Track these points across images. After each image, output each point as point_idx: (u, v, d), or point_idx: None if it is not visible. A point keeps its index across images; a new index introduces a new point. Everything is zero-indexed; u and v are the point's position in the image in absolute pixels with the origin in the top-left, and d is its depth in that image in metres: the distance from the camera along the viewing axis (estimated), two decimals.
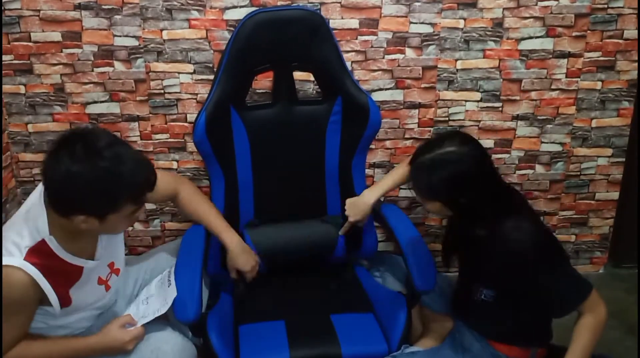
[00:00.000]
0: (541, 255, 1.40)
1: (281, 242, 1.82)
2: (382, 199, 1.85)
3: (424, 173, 1.45)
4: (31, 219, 1.36)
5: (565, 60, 2.16)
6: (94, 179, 1.24)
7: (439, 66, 2.14)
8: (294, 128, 1.81)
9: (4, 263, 1.29)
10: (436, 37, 2.10)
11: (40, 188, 1.38)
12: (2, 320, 1.31)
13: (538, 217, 1.50)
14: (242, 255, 1.72)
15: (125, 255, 2.14)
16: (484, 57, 2.14)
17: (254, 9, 1.96)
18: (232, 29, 2.02)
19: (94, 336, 1.45)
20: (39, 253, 1.33)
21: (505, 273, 1.43)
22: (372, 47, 2.10)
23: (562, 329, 2.14)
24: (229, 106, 1.75)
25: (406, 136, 2.23)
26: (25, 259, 1.31)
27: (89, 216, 1.29)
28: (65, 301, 1.41)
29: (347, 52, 2.08)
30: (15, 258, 1.30)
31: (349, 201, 1.81)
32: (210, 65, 2.07)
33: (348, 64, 2.07)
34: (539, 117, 2.24)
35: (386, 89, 2.16)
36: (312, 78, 1.96)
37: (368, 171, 2.25)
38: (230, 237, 1.71)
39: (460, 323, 1.60)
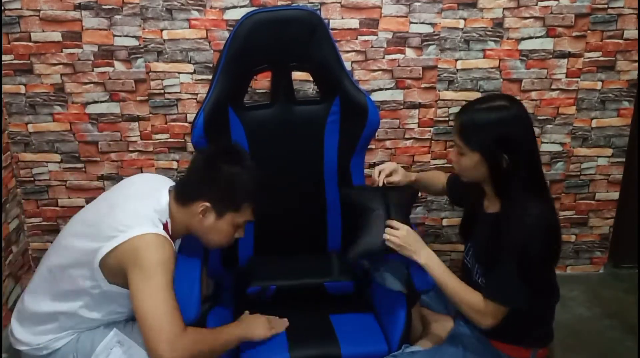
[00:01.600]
0: (526, 245, 1.36)
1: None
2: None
3: (476, 119, 1.41)
4: (152, 200, 1.45)
5: (565, 60, 2.16)
6: (235, 173, 1.46)
7: (439, 66, 2.14)
8: (293, 128, 1.81)
9: (148, 231, 1.35)
10: (436, 37, 2.10)
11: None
12: (158, 287, 1.32)
13: (555, 213, 1.46)
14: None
15: None
16: (484, 57, 2.14)
17: (254, 9, 1.96)
18: (232, 29, 2.01)
19: (237, 327, 1.54)
20: (166, 232, 1.42)
21: (499, 250, 1.40)
22: (372, 47, 2.10)
23: (563, 330, 2.15)
24: (227, 106, 1.74)
25: (406, 136, 2.23)
26: (164, 230, 1.41)
27: (210, 207, 1.44)
28: None
29: (347, 52, 2.08)
30: (153, 228, 1.37)
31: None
32: (211, 65, 2.07)
33: (348, 64, 2.08)
34: (539, 117, 2.24)
35: (386, 89, 2.16)
36: (310, 78, 1.96)
37: (368, 171, 2.25)
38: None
39: (461, 322, 1.60)
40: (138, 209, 1.42)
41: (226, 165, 1.46)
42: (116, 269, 1.36)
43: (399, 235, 1.52)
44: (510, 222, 1.38)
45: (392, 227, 1.54)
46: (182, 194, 1.47)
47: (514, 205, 1.39)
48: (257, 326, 1.56)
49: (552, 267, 1.50)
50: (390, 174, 1.71)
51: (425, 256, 1.50)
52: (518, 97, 2.17)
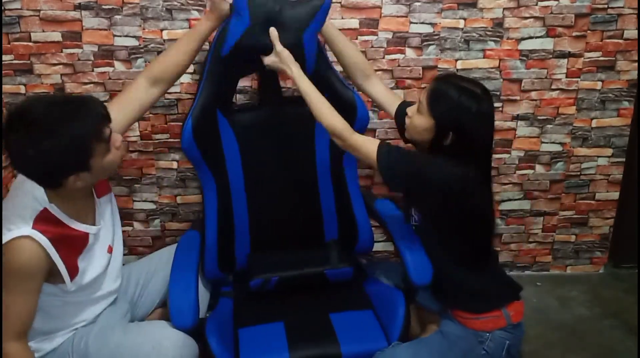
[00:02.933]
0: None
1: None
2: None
3: (451, 89, 1.48)
4: (27, 192, 1.38)
5: (566, 60, 2.16)
6: (53, 147, 1.28)
7: (439, 66, 2.14)
8: (283, 128, 1.81)
9: (12, 235, 1.31)
10: (436, 37, 2.10)
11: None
12: (8, 289, 1.32)
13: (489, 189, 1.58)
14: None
15: (125, 255, 2.16)
16: (484, 57, 2.14)
17: None
18: None
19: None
20: (45, 221, 1.36)
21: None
22: (372, 47, 2.10)
23: (563, 330, 2.15)
24: (215, 110, 1.73)
25: None
26: (33, 228, 1.33)
27: (77, 174, 1.35)
28: (73, 271, 1.43)
29: None
30: (22, 228, 1.32)
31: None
32: None
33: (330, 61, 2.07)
34: (539, 117, 2.24)
35: None
36: None
37: (368, 171, 2.26)
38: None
39: (447, 320, 1.62)
40: (15, 201, 1.38)
41: (32, 149, 1.27)
42: None
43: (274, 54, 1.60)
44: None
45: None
46: (45, 185, 1.37)
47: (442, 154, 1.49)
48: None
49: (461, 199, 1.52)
50: None
51: (298, 71, 1.59)
52: (518, 98, 2.19)
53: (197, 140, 1.69)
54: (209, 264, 1.79)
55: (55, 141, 1.28)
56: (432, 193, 1.49)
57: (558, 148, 2.29)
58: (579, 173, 2.34)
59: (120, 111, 1.56)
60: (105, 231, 1.56)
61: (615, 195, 2.38)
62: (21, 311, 1.36)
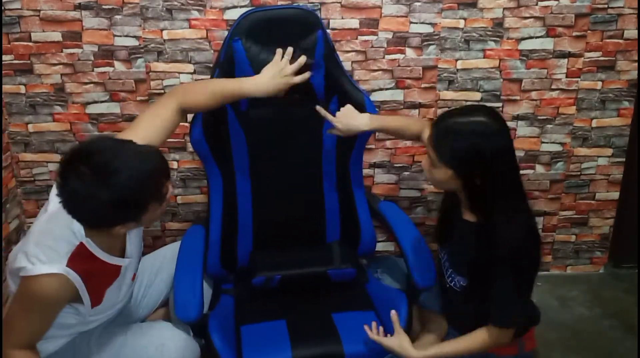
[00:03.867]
0: (518, 259, 1.36)
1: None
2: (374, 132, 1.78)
3: (450, 134, 1.36)
4: (63, 223, 1.32)
5: (566, 60, 2.16)
6: (116, 199, 1.21)
7: (439, 66, 2.14)
8: (291, 127, 1.81)
9: (44, 270, 1.27)
10: (436, 37, 2.10)
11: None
12: (27, 310, 1.32)
13: (535, 222, 1.47)
14: (271, 83, 1.59)
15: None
16: (484, 57, 2.14)
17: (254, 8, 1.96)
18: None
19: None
20: (80, 258, 1.33)
21: (482, 263, 1.40)
22: (372, 47, 2.10)
23: (563, 330, 2.15)
24: (225, 106, 1.75)
25: None
26: (67, 266, 1.30)
27: (125, 225, 1.30)
28: (97, 301, 1.42)
29: (347, 52, 2.08)
30: (56, 265, 1.28)
31: (348, 109, 1.70)
32: (211, 65, 2.07)
33: (348, 64, 2.08)
34: (539, 117, 2.24)
35: (386, 89, 2.16)
36: None
37: (368, 171, 2.26)
38: (249, 81, 1.60)
39: (451, 329, 1.61)
40: (51, 230, 1.34)
41: (96, 191, 1.20)
42: None
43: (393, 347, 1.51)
44: (495, 237, 1.36)
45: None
46: (92, 228, 1.33)
47: (496, 219, 1.37)
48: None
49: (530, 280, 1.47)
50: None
51: (416, 354, 1.48)
52: (518, 97, 2.19)
53: (207, 135, 1.70)
54: (211, 260, 1.80)
55: (116, 194, 1.21)
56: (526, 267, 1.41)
57: (558, 147, 2.29)
58: (579, 173, 2.34)
59: (152, 129, 1.48)
60: (133, 261, 1.54)
61: (615, 195, 2.38)
62: (35, 331, 1.36)
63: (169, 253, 1.80)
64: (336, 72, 1.77)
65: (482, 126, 1.35)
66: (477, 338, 1.44)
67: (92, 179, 1.19)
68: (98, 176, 1.19)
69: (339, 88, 1.77)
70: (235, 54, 1.66)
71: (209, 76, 2.06)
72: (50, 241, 1.32)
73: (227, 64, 1.70)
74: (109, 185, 1.19)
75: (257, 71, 1.65)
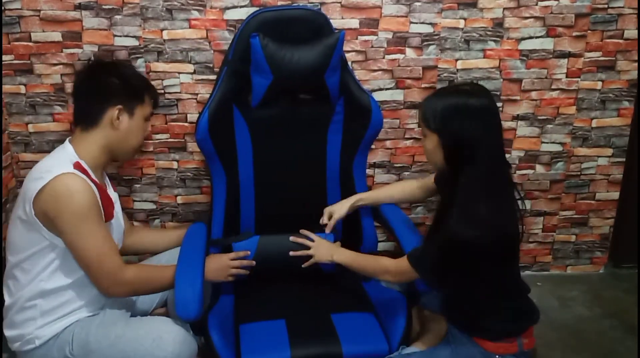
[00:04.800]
0: (467, 242, 1.36)
1: (273, 253, 1.79)
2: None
3: (434, 97, 1.45)
4: (58, 152, 1.56)
5: (566, 60, 2.16)
6: (123, 73, 1.62)
7: (439, 66, 2.14)
8: (296, 127, 1.82)
9: (56, 173, 1.44)
10: (436, 37, 2.10)
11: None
12: (92, 225, 1.44)
13: (511, 205, 1.44)
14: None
15: (124, 255, 2.16)
16: (484, 57, 2.14)
17: (254, 8, 1.96)
18: (232, 29, 2.02)
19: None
20: (81, 169, 1.50)
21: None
22: (372, 47, 2.10)
23: (563, 330, 2.15)
24: (232, 104, 1.75)
25: (406, 136, 2.23)
26: (74, 169, 1.47)
27: (122, 109, 1.57)
28: (108, 215, 1.55)
29: (348, 52, 2.08)
30: (65, 168, 1.46)
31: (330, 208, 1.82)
32: (211, 65, 2.07)
33: (348, 64, 2.07)
34: (539, 117, 2.24)
35: (386, 89, 2.16)
36: None
37: (368, 171, 2.25)
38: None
39: (451, 326, 1.61)
40: (46, 161, 1.54)
41: (107, 72, 1.62)
42: (48, 215, 1.43)
43: (314, 251, 1.73)
44: (455, 210, 1.37)
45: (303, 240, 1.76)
46: (85, 119, 1.58)
47: (462, 196, 1.38)
48: (213, 267, 1.65)
49: (501, 261, 1.46)
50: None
51: (338, 255, 1.68)
52: (518, 97, 2.19)
53: (212, 133, 1.71)
54: None
55: (127, 72, 1.66)
56: (478, 258, 1.40)
57: (558, 148, 2.29)
58: (579, 173, 2.34)
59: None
60: (121, 216, 1.73)
61: (615, 195, 2.38)
62: (111, 242, 1.50)
63: (165, 257, 1.80)
64: (345, 74, 1.78)
65: (465, 96, 1.41)
66: (385, 261, 1.57)
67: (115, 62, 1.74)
68: (120, 63, 1.77)
69: (346, 90, 1.78)
70: (252, 50, 1.67)
71: (209, 76, 2.07)
72: (51, 162, 1.51)
73: (238, 62, 1.71)
74: (127, 68, 1.72)
75: (273, 69, 1.67)
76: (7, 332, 1.52)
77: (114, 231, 1.61)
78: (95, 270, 1.46)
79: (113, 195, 1.69)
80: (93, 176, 1.54)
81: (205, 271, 1.60)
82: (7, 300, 1.53)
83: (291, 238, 1.77)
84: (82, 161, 1.53)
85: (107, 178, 1.73)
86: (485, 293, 1.49)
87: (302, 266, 1.74)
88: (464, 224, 1.35)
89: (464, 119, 1.37)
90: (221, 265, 1.69)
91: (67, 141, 1.59)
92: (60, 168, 1.45)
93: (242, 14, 1.98)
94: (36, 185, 1.43)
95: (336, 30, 1.78)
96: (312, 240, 1.76)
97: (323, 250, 1.73)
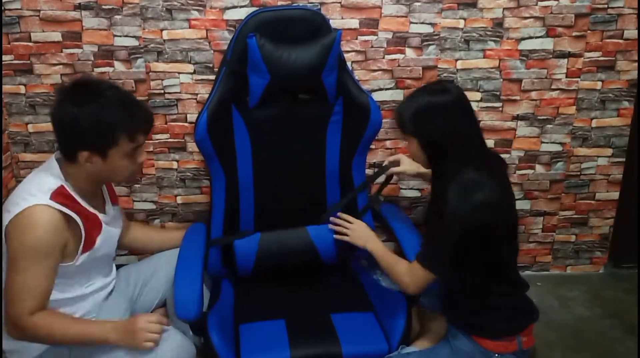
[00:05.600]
0: (462, 222, 1.39)
1: (274, 249, 1.80)
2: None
3: (406, 101, 1.49)
4: (44, 171, 1.45)
5: (565, 60, 2.16)
6: (91, 113, 1.37)
7: (439, 66, 2.14)
8: (295, 128, 1.82)
9: (29, 203, 1.35)
10: (436, 37, 2.10)
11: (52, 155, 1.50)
12: (25, 264, 1.35)
13: (503, 189, 1.47)
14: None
15: (125, 255, 2.16)
16: (484, 57, 2.14)
17: (254, 9, 1.96)
18: (232, 29, 2.02)
19: (114, 321, 1.48)
20: (62, 197, 1.41)
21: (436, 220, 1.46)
22: (372, 47, 2.10)
23: (563, 330, 2.15)
24: (230, 105, 1.75)
25: None
26: (51, 199, 1.38)
27: (91, 153, 1.40)
28: (89, 244, 1.47)
29: (347, 52, 2.08)
30: (40, 198, 1.37)
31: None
32: (211, 65, 2.07)
33: (348, 64, 2.07)
34: (539, 117, 2.24)
35: (386, 89, 2.16)
36: None
37: (368, 171, 2.25)
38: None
39: (451, 325, 1.61)
40: (31, 180, 1.45)
41: (76, 108, 1.38)
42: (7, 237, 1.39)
43: (349, 228, 1.75)
44: (444, 194, 1.41)
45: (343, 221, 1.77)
46: (63, 152, 1.46)
47: (453, 185, 1.40)
48: (134, 340, 1.42)
49: (495, 245, 1.47)
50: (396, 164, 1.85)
51: (372, 244, 1.67)
52: (518, 97, 2.19)
53: (211, 133, 1.71)
54: (212, 258, 1.80)
55: (98, 111, 1.37)
56: (476, 244, 1.42)
57: (558, 147, 2.29)
58: (579, 173, 2.34)
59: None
60: (115, 227, 1.62)
61: (615, 195, 2.38)
62: (41, 284, 1.38)
63: (165, 257, 1.80)
64: (344, 74, 1.78)
65: (431, 89, 1.47)
66: (403, 264, 1.55)
67: (87, 94, 1.40)
68: (91, 93, 1.40)
69: (345, 89, 1.78)
70: (249, 50, 1.67)
71: (208, 76, 2.07)
72: (30, 186, 1.41)
73: (236, 62, 1.71)
74: (96, 102, 1.38)
75: (270, 69, 1.67)
76: (5, 345, 1.49)
77: (100, 250, 1.52)
78: (8, 306, 1.37)
79: (109, 212, 1.59)
80: (79, 201, 1.45)
81: (115, 334, 1.43)
82: (3, 312, 1.47)
83: (331, 220, 1.79)
84: (67, 183, 1.44)
85: (105, 192, 1.63)
86: (485, 288, 1.49)
87: (335, 238, 1.77)
88: (463, 202, 1.38)
89: (436, 118, 1.43)
90: (135, 327, 1.43)
91: (53, 158, 1.49)
92: (36, 197, 1.37)
93: (242, 14, 1.98)
94: (10, 214, 1.37)
95: (333, 30, 1.78)
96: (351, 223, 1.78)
97: (360, 233, 1.74)
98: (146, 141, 2.14)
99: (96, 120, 1.37)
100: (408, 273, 1.51)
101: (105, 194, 1.63)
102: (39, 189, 1.40)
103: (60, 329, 1.40)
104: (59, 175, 1.44)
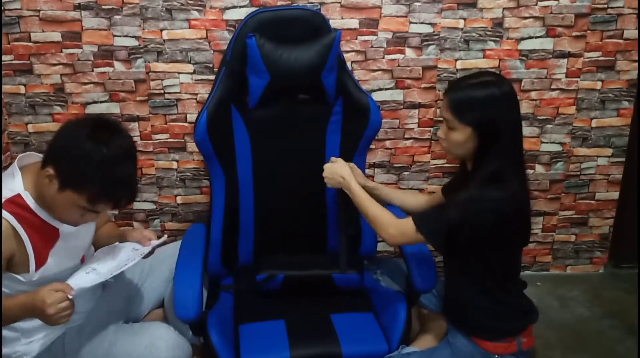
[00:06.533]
0: (471, 224, 1.40)
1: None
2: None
3: (464, 90, 1.46)
4: (7, 178, 1.39)
5: (565, 60, 2.16)
6: (87, 152, 1.31)
7: (439, 66, 2.14)
8: (295, 128, 1.82)
9: None
10: (436, 37, 2.10)
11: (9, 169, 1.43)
12: None
13: (520, 198, 1.47)
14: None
15: None
16: (484, 57, 2.14)
17: (253, 9, 1.96)
18: (232, 29, 2.02)
19: (25, 293, 1.36)
20: (15, 205, 1.35)
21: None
22: (372, 47, 2.10)
23: (563, 330, 2.15)
24: (230, 105, 1.75)
25: (406, 136, 2.23)
26: (4, 208, 1.31)
27: (57, 175, 1.33)
28: (41, 260, 1.39)
29: (347, 52, 2.08)
30: None
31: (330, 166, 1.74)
32: (210, 65, 2.07)
33: (348, 64, 2.08)
34: (539, 117, 2.24)
35: (386, 89, 2.16)
36: None
37: (368, 171, 2.25)
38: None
39: (451, 326, 1.61)
40: None
41: (89, 141, 1.33)
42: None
43: (325, 168, 1.69)
44: (469, 189, 1.42)
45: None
46: (45, 158, 1.39)
47: (482, 180, 1.41)
48: (29, 313, 1.35)
49: (499, 250, 1.48)
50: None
51: (348, 182, 1.64)
52: (518, 97, 2.19)
53: (211, 133, 1.71)
54: (212, 259, 1.80)
55: (98, 155, 1.32)
56: (485, 230, 1.41)
57: (558, 147, 2.29)
58: (579, 173, 2.34)
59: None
60: (79, 240, 1.53)
61: (615, 195, 2.38)
62: None
63: (161, 253, 1.79)
64: (343, 74, 1.78)
65: (495, 86, 1.44)
66: (389, 215, 1.54)
67: (97, 137, 1.34)
68: (104, 136, 1.34)
69: (344, 90, 1.78)
70: (249, 51, 1.67)
71: (208, 76, 2.07)
72: None
73: (236, 62, 1.71)
74: (102, 146, 1.33)
75: (269, 69, 1.67)
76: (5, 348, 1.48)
77: (59, 265, 1.45)
78: None
79: (60, 225, 1.45)
80: (36, 211, 1.38)
81: (27, 312, 1.35)
82: None
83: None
84: (25, 192, 1.38)
85: None
86: (486, 288, 1.49)
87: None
88: (491, 187, 1.39)
89: (500, 109, 1.42)
90: (43, 305, 1.31)
91: (16, 166, 1.42)
92: None
93: (242, 14, 1.98)
94: None
95: (333, 30, 1.78)
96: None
97: (336, 168, 1.68)
98: (146, 142, 2.15)
99: (88, 159, 1.31)
100: (395, 226, 1.51)
101: None
102: None
103: None
104: (17, 184, 1.38)
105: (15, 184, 1.38)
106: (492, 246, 1.44)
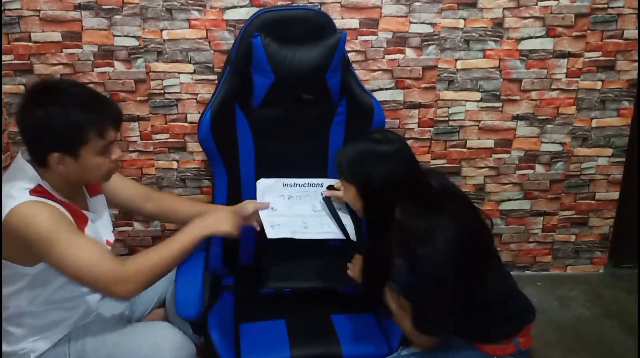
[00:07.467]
0: (439, 274, 1.34)
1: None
2: None
3: (344, 149, 1.47)
4: (19, 174, 1.39)
5: (565, 60, 2.16)
6: (57, 114, 1.32)
7: (439, 65, 2.14)
8: (298, 128, 1.82)
9: (13, 203, 1.30)
10: (436, 37, 2.10)
11: (17, 157, 1.43)
12: (65, 238, 1.31)
13: (457, 224, 1.38)
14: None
15: (125, 255, 2.16)
16: (484, 57, 2.14)
17: (254, 9, 1.97)
18: (232, 29, 2.02)
19: (197, 224, 1.52)
20: (41, 194, 1.35)
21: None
22: (372, 47, 2.10)
23: (563, 330, 2.15)
24: (234, 104, 1.75)
25: (406, 136, 2.23)
26: (30, 195, 1.33)
27: (62, 154, 1.34)
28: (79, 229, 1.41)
29: (348, 52, 2.07)
30: (18, 199, 1.31)
31: None
32: (211, 65, 2.07)
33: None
34: (539, 117, 2.24)
35: (386, 89, 2.16)
36: None
37: None
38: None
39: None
40: (5, 186, 1.37)
41: (41, 111, 1.32)
42: (16, 250, 1.35)
43: (348, 266, 1.63)
44: (409, 250, 1.35)
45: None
46: (34, 157, 1.38)
47: (385, 227, 1.38)
48: (222, 221, 1.54)
49: (478, 269, 1.44)
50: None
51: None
52: (518, 97, 2.19)
53: (214, 132, 1.71)
54: (212, 258, 1.80)
55: (64, 110, 1.32)
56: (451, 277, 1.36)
57: (558, 147, 2.29)
58: (579, 173, 2.34)
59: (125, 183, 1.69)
60: (103, 225, 1.55)
61: (615, 195, 2.38)
62: (95, 244, 1.37)
63: None
64: (348, 74, 1.78)
65: (367, 138, 1.43)
66: (408, 322, 1.44)
67: (50, 95, 1.35)
68: (55, 95, 1.35)
69: (348, 90, 1.78)
70: (254, 50, 1.67)
71: (208, 76, 2.07)
72: (9, 188, 1.35)
73: (241, 61, 1.71)
74: (61, 102, 1.33)
75: (274, 68, 1.67)
76: (5, 348, 1.48)
77: (100, 230, 1.51)
78: (91, 278, 1.34)
79: (92, 208, 1.53)
80: (58, 197, 1.39)
81: (217, 228, 1.53)
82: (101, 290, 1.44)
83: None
84: (44, 182, 1.38)
85: (87, 195, 1.55)
86: (479, 304, 1.48)
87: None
88: (430, 246, 1.32)
89: (374, 166, 1.37)
90: (229, 220, 1.56)
91: (23, 160, 1.40)
92: (14, 197, 1.32)
93: (242, 14, 1.98)
94: None
95: (338, 31, 1.78)
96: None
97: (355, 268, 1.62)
98: (146, 142, 2.15)
99: (63, 120, 1.32)
100: (413, 336, 1.46)
101: (87, 197, 1.55)
102: (17, 189, 1.34)
103: (155, 255, 1.42)
104: (34, 176, 1.38)
105: (32, 177, 1.38)
106: (469, 278, 1.41)
